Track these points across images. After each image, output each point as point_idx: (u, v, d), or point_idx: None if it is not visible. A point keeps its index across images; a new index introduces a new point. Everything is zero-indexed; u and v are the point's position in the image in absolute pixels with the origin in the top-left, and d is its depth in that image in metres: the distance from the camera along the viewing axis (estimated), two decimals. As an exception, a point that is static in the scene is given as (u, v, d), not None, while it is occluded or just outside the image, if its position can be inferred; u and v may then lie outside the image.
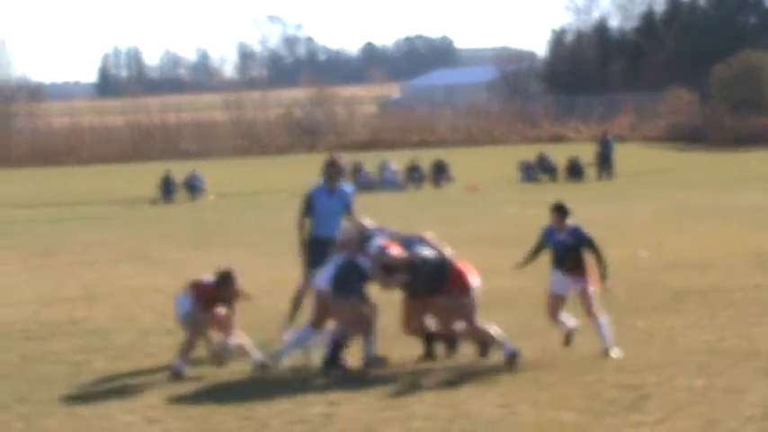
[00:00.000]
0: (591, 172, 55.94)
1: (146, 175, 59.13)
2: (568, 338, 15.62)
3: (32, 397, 14.22)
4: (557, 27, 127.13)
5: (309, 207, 17.43)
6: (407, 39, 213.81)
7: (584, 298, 15.53)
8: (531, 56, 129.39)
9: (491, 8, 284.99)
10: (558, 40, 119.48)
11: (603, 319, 15.39)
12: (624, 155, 61.00)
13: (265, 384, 14.61)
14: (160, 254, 29.99)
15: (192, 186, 54.34)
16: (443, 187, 55.68)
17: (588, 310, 15.48)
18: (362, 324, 15.15)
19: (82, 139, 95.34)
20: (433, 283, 15.12)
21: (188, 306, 15.43)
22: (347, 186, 18.01)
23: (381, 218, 18.77)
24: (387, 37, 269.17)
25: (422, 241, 15.59)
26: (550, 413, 12.46)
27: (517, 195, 46.12)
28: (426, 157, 60.32)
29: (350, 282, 15.04)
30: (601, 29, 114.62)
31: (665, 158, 68.88)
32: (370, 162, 59.54)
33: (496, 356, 15.04)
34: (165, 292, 20.76)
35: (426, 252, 15.34)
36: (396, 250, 15.19)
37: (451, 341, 15.45)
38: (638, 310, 18.65)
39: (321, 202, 17.42)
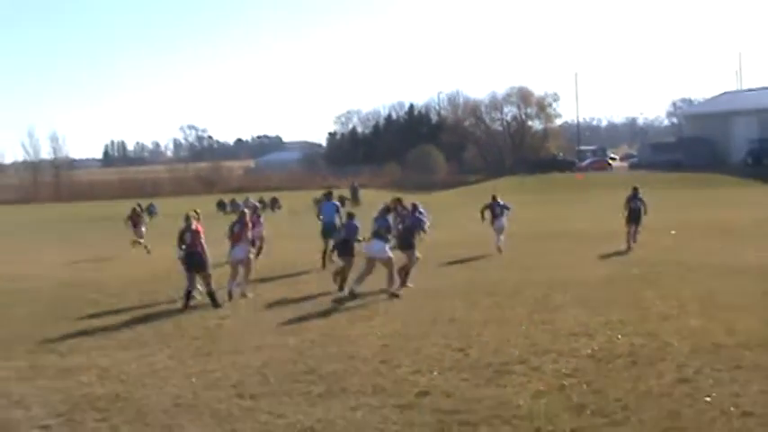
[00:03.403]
0: (349, 203, 56.82)
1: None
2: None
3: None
4: (332, 130, 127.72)
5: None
6: (259, 136, 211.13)
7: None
8: (320, 146, 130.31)
9: (302, 118, 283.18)
10: (333, 137, 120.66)
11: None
12: (366, 194, 62.27)
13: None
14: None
15: (151, 212, 53.30)
16: (276, 212, 55.81)
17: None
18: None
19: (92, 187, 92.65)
20: None
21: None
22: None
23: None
24: (249, 134, 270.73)
25: None
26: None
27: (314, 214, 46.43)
28: (267, 196, 60.82)
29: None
30: (353, 132, 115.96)
31: (385, 196, 70.13)
32: (239, 198, 59.14)
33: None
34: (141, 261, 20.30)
35: None
36: None
37: None
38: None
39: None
